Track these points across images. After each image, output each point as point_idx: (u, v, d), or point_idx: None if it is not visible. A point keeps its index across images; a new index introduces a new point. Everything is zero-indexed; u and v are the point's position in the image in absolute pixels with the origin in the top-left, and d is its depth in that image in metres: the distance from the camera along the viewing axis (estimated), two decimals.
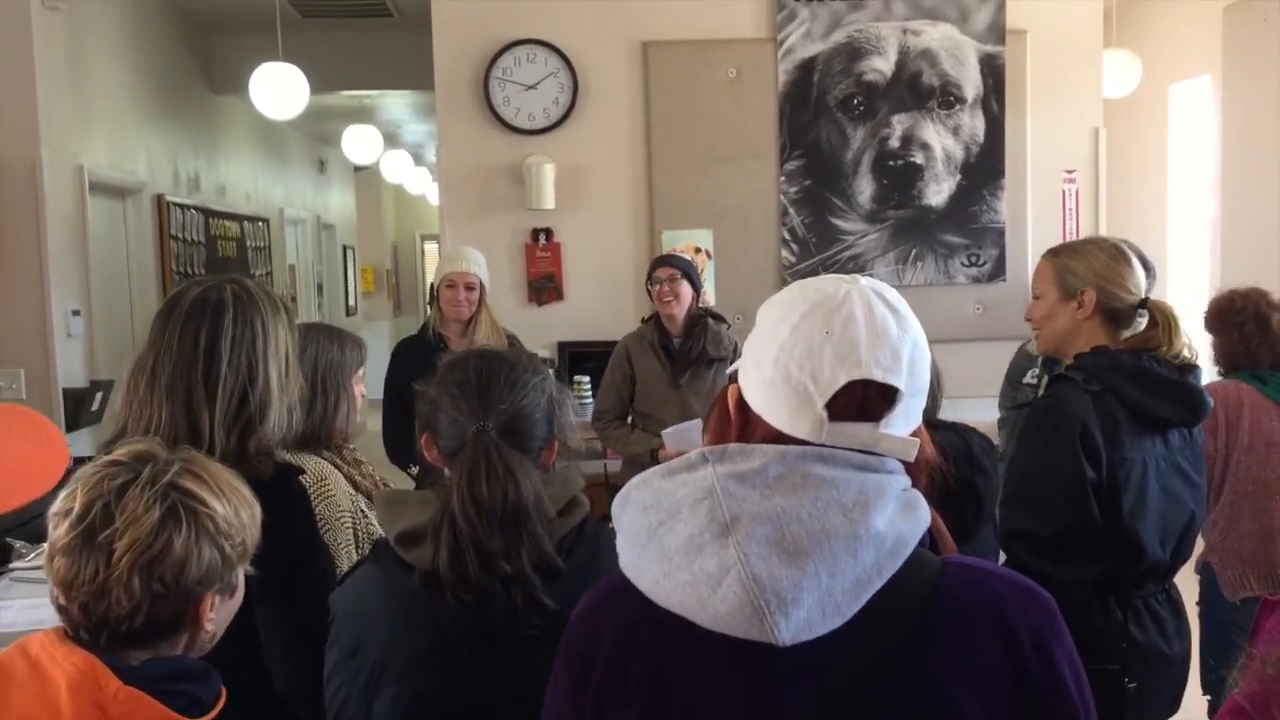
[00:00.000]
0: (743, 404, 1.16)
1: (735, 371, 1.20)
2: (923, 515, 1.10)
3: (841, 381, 1.08)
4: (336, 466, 2.38)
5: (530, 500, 1.56)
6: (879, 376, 1.09)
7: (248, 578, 1.89)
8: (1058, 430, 2.20)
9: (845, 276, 1.16)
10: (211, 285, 1.97)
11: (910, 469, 1.13)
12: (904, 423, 1.12)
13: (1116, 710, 2.15)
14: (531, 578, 1.53)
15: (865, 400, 1.09)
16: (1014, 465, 2.31)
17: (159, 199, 6.63)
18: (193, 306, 1.93)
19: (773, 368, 1.11)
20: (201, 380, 1.89)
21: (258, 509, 1.44)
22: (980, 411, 4.18)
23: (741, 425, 1.15)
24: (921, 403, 1.14)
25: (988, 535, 2.41)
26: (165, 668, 1.32)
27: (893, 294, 1.15)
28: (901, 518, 1.08)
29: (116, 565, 1.28)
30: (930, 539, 1.14)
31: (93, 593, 1.28)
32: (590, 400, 4.80)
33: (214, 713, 1.33)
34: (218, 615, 1.39)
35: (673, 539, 1.07)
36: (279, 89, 5.87)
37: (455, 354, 1.76)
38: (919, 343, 1.14)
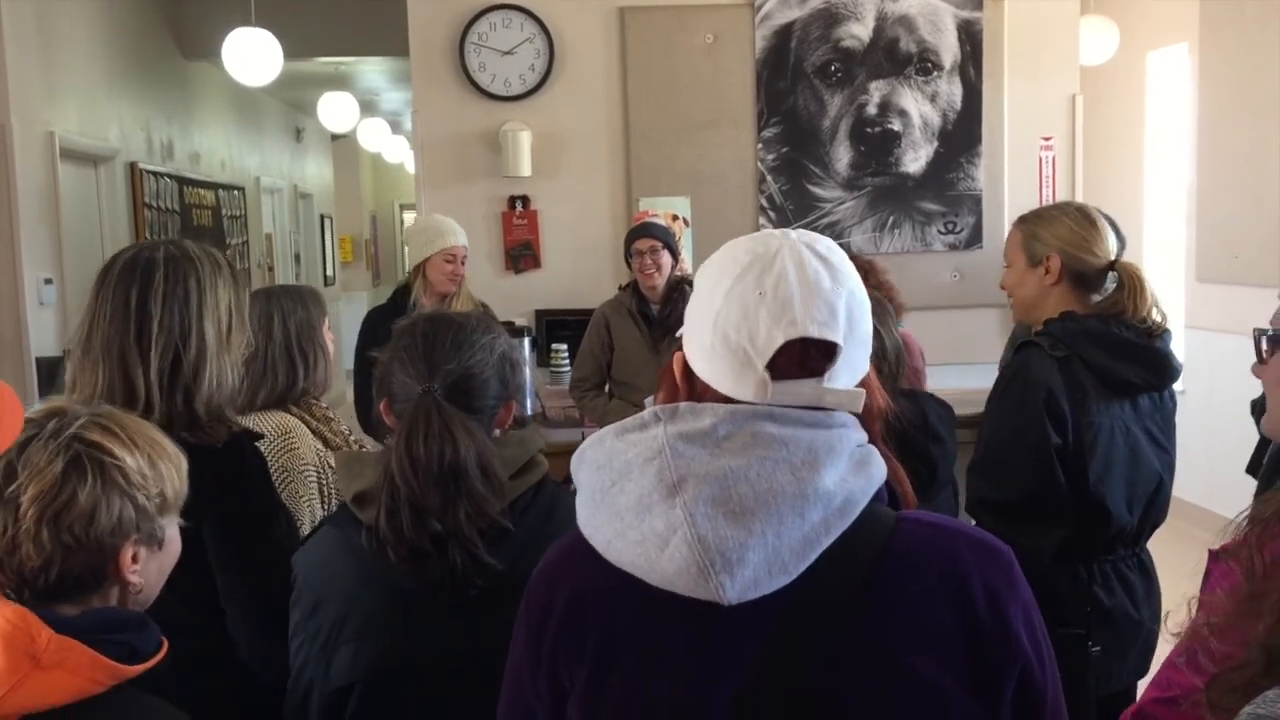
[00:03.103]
0: (689, 370, 1.16)
1: (681, 339, 1.20)
2: (876, 473, 1.11)
3: (779, 342, 1.08)
4: (304, 422, 2.42)
5: (470, 459, 1.55)
6: (815, 333, 1.09)
7: (207, 544, 1.90)
8: (1023, 397, 2.21)
9: (776, 232, 1.16)
10: (144, 247, 1.98)
11: (862, 420, 1.14)
12: (848, 374, 1.13)
13: (1081, 674, 2.17)
14: (470, 536, 1.54)
15: (805, 357, 1.10)
16: (981, 432, 2.33)
17: (132, 166, 6.57)
18: (124, 268, 1.93)
19: (711, 334, 1.12)
20: (134, 341, 1.90)
21: (183, 462, 1.44)
22: (958, 378, 4.20)
23: (689, 392, 1.16)
24: (865, 352, 1.15)
25: (944, 504, 2.43)
26: (98, 618, 1.32)
27: (824, 245, 1.15)
28: (853, 475, 1.08)
29: (24, 519, 1.28)
30: (891, 492, 1.15)
31: (5, 548, 1.29)
32: (568, 368, 4.79)
33: (154, 661, 1.33)
34: (144, 568, 1.38)
35: (624, 499, 1.08)
36: (252, 55, 5.81)
37: (407, 318, 1.76)
38: (855, 293, 1.14)
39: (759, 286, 1.10)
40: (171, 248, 1.98)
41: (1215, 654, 0.89)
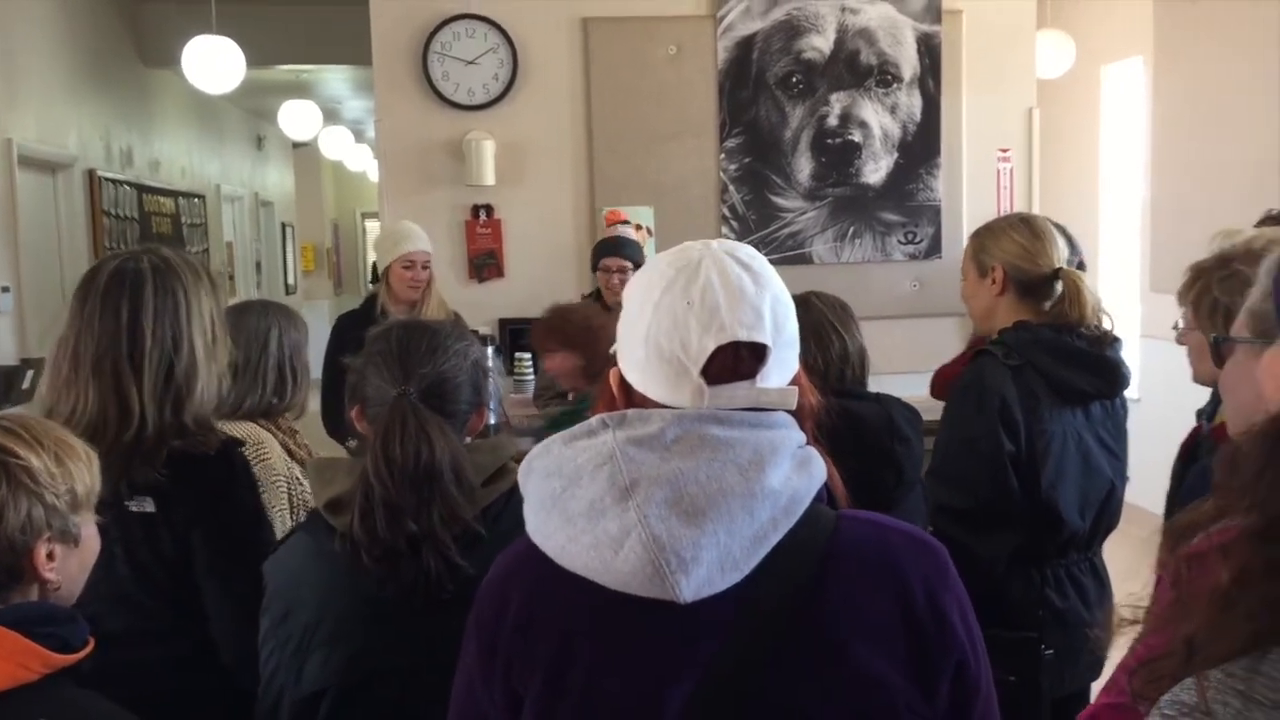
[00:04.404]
0: (625, 384, 1.19)
1: (615, 353, 1.23)
2: (817, 472, 1.14)
3: (711, 348, 1.12)
4: (272, 434, 2.44)
5: (445, 461, 1.58)
6: (744, 336, 1.13)
7: (194, 550, 1.91)
8: (978, 405, 2.25)
9: (699, 243, 1.19)
10: (128, 257, 1.96)
11: (798, 420, 1.17)
12: (779, 374, 1.16)
13: (1033, 677, 2.21)
14: (443, 538, 1.56)
15: (737, 361, 1.13)
16: (938, 439, 2.37)
17: (90, 174, 6.51)
18: (111, 281, 1.92)
19: (644, 347, 1.15)
20: (127, 356, 1.89)
21: (94, 460, 1.46)
22: (915, 387, 4.24)
23: (626, 404, 1.19)
24: (794, 352, 1.19)
25: (914, 504, 2.47)
26: (27, 611, 1.34)
27: (745, 252, 1.19)
28: (796, 474, 1.12)
29: None
30: (827, 492, 1.18)
31: None
32: (532, 377, 4.80)
33: (84, 654, 1.35)
34: (62, 565, 1.40)
35: (575, 504, 1.10)
36: (213, 63, 5.78)
37: (380, 325, 1.78)
38: (779, 296, 1.18)
39: (686, 296, 1.13)
40: (154, 258, 1.97)
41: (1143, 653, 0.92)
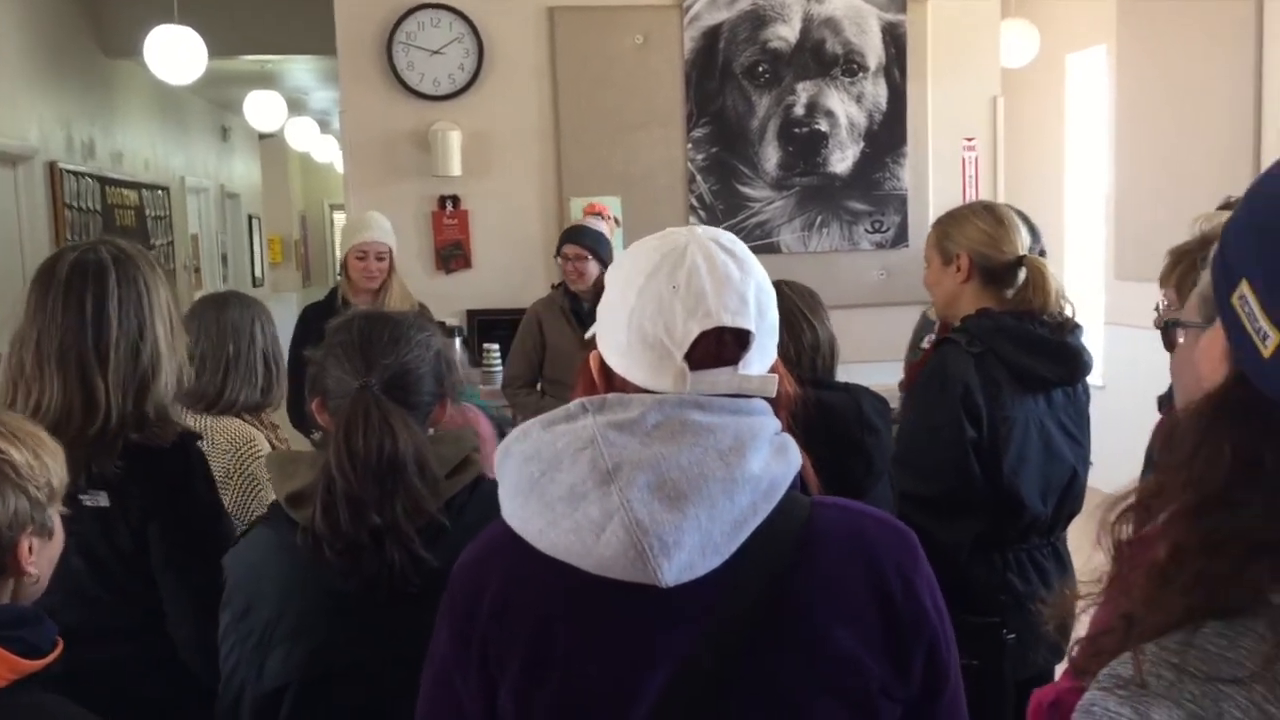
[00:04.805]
0: (605, 368, 1.19)
1: (594, 336, 1.23)
2: (794, 458, 1.15)
3: (695, 333, 1.12)
4: (258, 430, 2.46)
5: (408, 454, 1.57)
6: (729, 322, 1.13)
7: (151, 544, 1.90)
8: (940, 392, 2.27)
9: (682, 229, 1.20)
10: (86, 249, 1.94)
11: (775, 408, 1.18)
12: (760, 361, 1.17)
13: (996, 661, 2.23)
14: (406, 530, 1.55)
15: (721, 346, 1.14)
16: (901, 427, 2.39)
17: (52, 166, 6.42)
18: (73, 272, 1.90)
19: (628, 331, 1.15)
20: (92, 347, 1.88)
21: (60, 452, 1.46)
22: (883, 375, 4.27)
23: (606, 388, 1.19)
24: (774, 340, 1.20)
25: (882, 493, 2.48)
26: None
27: (728, 239, 1.19)
28: (775, 460, 1.12)
29: None
30: (800, 480, 1.19)
31: None
32: (500, 368, 4.79)
33: (51, 658, 1.34)
34: (39, 558, 1.40)
35: (555, 488, 1.09)
36: (175, 53, 5.71)
37: (340, 317, 1.77)
38: (762, 284, 1.18)
39: (672, 281, 1.13)
40: (112, 248, 1.96)
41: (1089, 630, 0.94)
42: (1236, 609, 0.79)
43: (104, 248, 1.95)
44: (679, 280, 1.13)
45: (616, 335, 1.17)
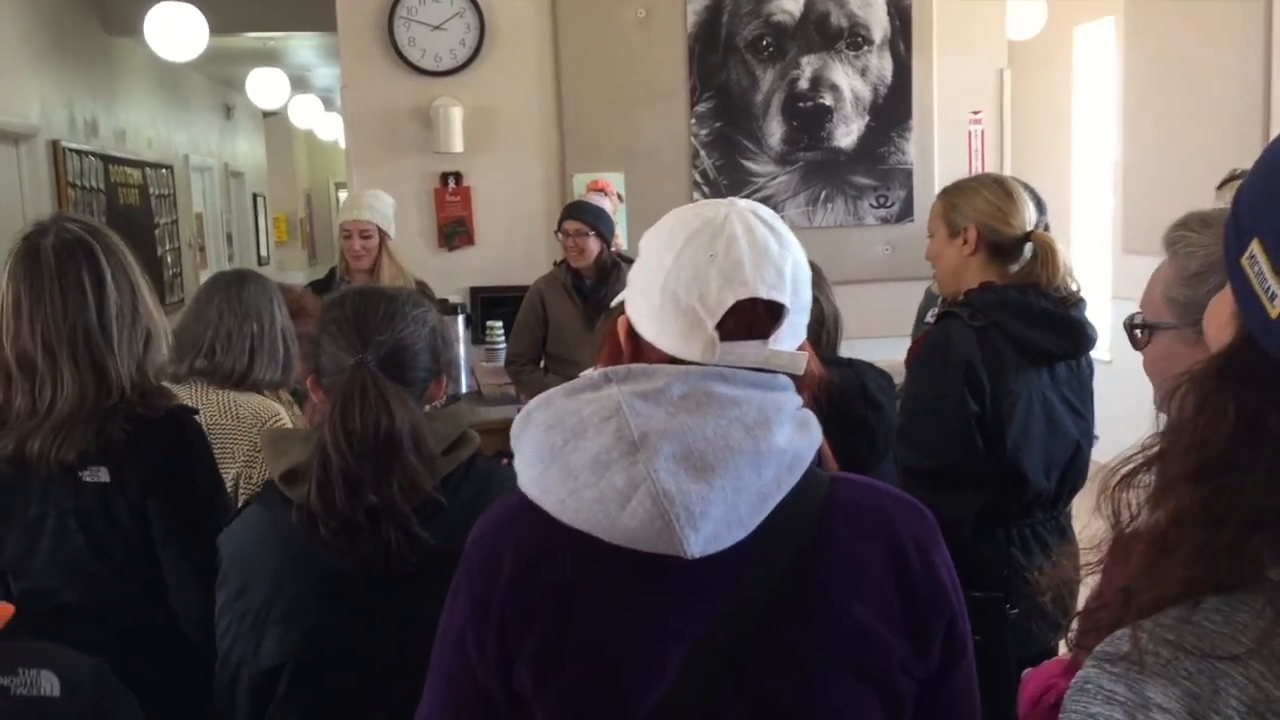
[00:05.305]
0: (633, 333, 1.18)
1: (622, 303, 1.22)
2: (815, 433, 1.15)
3: (730, 302, 1.11)
4: (279, 404, 2.49)
5: (404, 431, 1.55)
6: (765, 294, 1.12)
7: (150, 518, 1.90)
8: (943, 366, 2.25)
9: (722, 200, 1.19)
10: (57, 229, 1.92)
11: (798, 386, 1.17)
12: (791, 338, 1.16)
13: (1000, 636, 2.22)
14: (403, 509, 1.54)
15: (754, 318, 1.13)
16: (904, 401, 2.37)
17: (54, 145, 6.41)
18: (60, 254, 1.88)
19: (661, 295, 1.13)
20: (97, 324, 1.88)
21: None
22: (888, 351, 4.25)
23: (633, 354, 1.17)
24: (805, 318, 1.18)
25: (886, 470, 2.47)
26: None
27: (769, 213, 1.19)
28: (798, 435, 1.12)
29: None
30: (818, 458, 1.18)
31: None
32: (503, 345, 4.78)
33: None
34: None
35: (579, 457, 1.07)
36: (176, 30, 5.70)
37: (335, 293, 1.76)
38: (799, 260, 1.18)
39: (710, 249, 1.12)
40: (81, 224, 1.96)
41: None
42: (1235, 583, 0.77)
43: (74, 225, 1.94)
44: (717, 249, 1.12)
45: (649, 299, 1.15)
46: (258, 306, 2.47)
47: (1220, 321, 0.84)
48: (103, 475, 1.88)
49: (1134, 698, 0.76)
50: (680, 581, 1.08)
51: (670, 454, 1.05)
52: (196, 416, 2.05)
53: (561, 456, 1.08)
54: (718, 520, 1.04)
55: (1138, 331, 1.44)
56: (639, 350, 1.17)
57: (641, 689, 1.07)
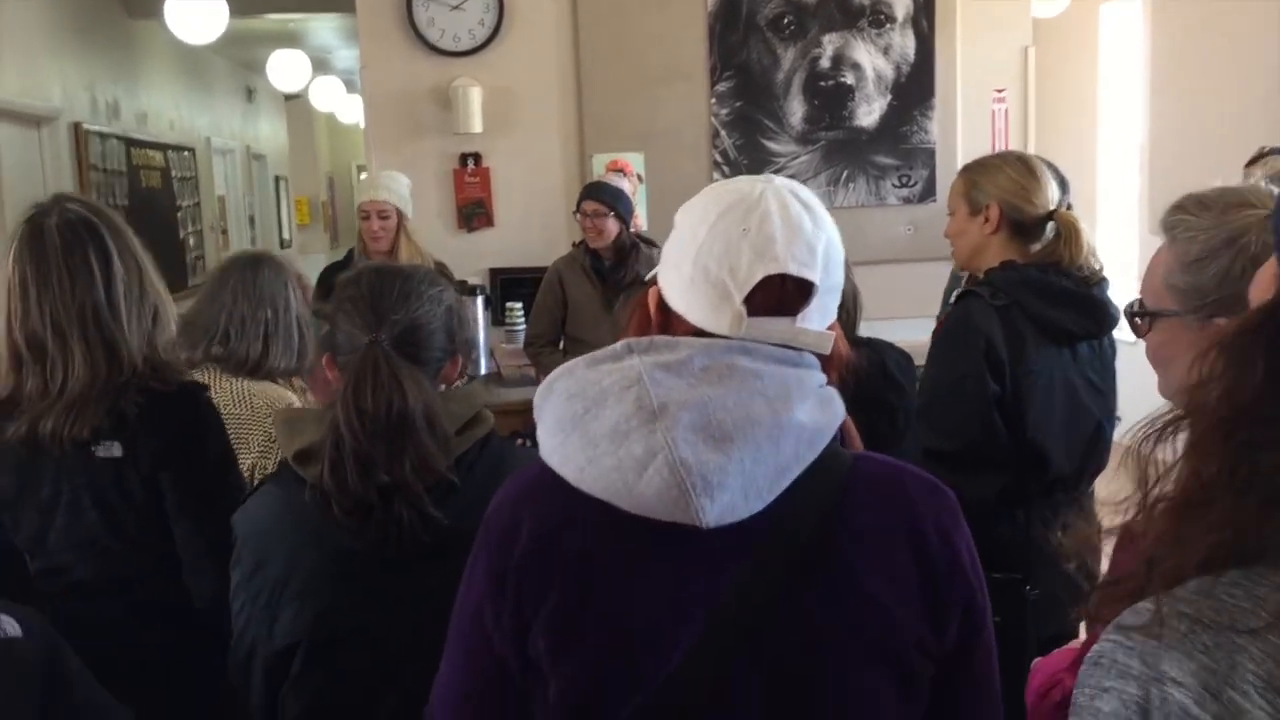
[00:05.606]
0: (663, 305, 1.19)
1: (654, 276, 1.23)
2: (838, 409, 1.15)
3: (759, 276, 1.12)
4: (293, 393, 2.47)
5: (417, 410, 1.54)
6: (795, 270, 1.12)
7: (164, 493, 1.90)
8: (963, 346, 2.22)
9: (760, 177, 1.19)
10: (59, 210, 1.93)
11: (825, 365, 1.17)
12: (820, 317, 1.16)
13: (1020, 618, 2.20)
14: (415, 488, 1.53)
15: (783, 295, 1.13)
16: (923, 382, 2.35)
17: (76, 127, 6.44)
18: (66, 235, 1.88)
19: (692, 267, 1.14)
20: (106, 303, 1.88)
21: None
22: (911, 331, 4.22)
23: (662, 325, 1.18)
24: (836, 299, 1.19)
25: (906, 450, 2.44)
26: None
27: (806, 192, 1.19)
28: (819, 410, 1.12)
29: None
30: (841, 436, 1.18)
31: None
32: (523, 327, 4.77)
33: None
34: None
35: (598, 425, 1.08)
36: (196, 12, 5.70)
37: (352, 271, 1.74)
38: (833, 240, 1.18)
39: (744, 223, 1.13)
40: (81, 204, 1.96)
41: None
42: (1260, 554, 0.77)
43: (74, 205, 1.93)
44: (751, 223, 1.13)
45: (680, 271, 1.16)
46: (272, 292, 2.43)
47: (1264, 284, 0.85)
48: (115, 450, 1.88)
49: (1148, 671, 0.76)
50: (699, 552, 1.08)
51: (689, 424, 1.05)
52: (207, 392, 2.05)
53: (582, 425, 1.09)
54: (735, 491, 1.04)
55: (1138, 319, 1.41)
56: (668, 322, 1.18)
57: (657, 658, 1.08)
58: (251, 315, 2.41)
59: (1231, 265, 1.31)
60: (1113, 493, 0.92)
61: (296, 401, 2.44)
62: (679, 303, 1.16)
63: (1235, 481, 0.78)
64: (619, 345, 1.13)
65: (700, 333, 1.14)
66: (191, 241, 8.56)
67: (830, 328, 1.18)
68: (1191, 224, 1.37)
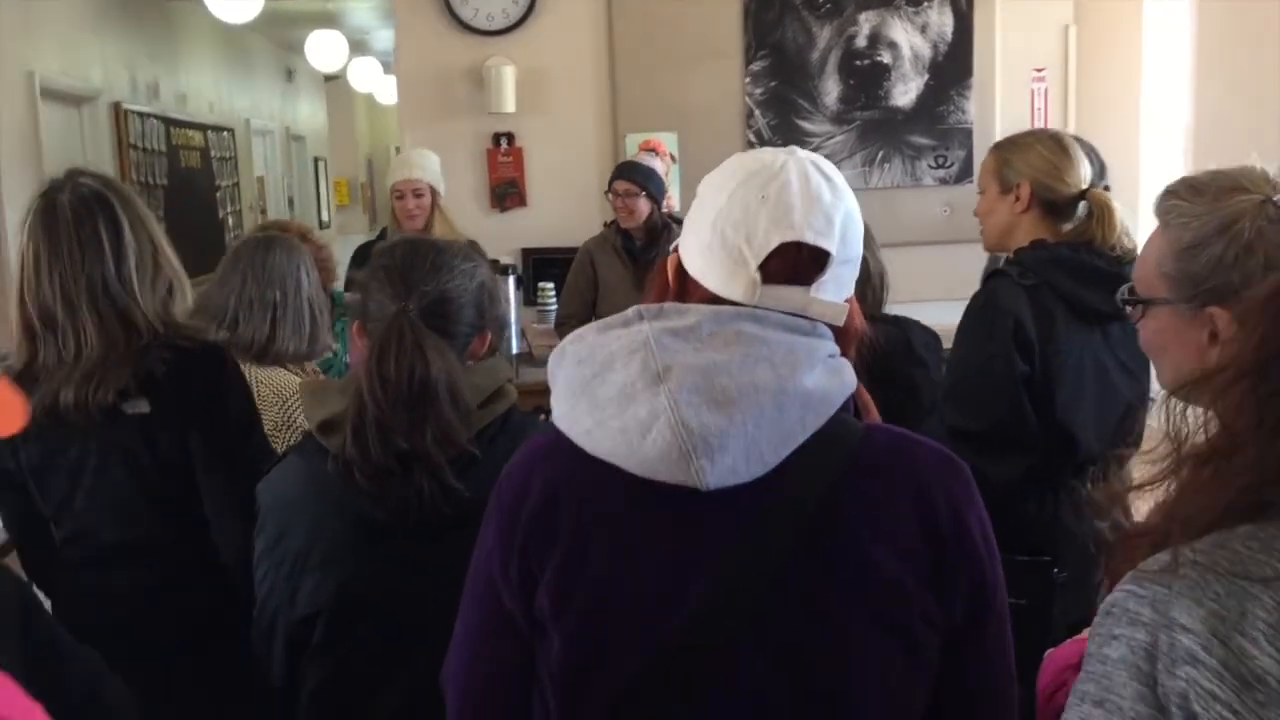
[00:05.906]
0: (681, 270, 1.20)
1: (676, 245, 1.24)
2: (848, 378, 1.15)
3: (775, 243, 1.13)
4: (302, 379, 2.44)
5: (440, 381, 1.55)
6: (810, 239, 1.13)
7: (193, 452, 1.92)
8: (991, 326, 2.19)
9: (783, 148, 1.20)
10: (72, 185, 1.95)
11: (840, 338, 1.17)
12: (835, 288, 1.17)
13: (1046, 600, 2.17)
14: (436, 458, 1.53)
15: (798, 263, 1.14)
16: (950, 362, 2.32)
17: (116, 107, 6.50)
18: (77, 208, 1.91)
19: (710, 232, 1.16)
20: (116, 275, 1.90)
21: None
22: (946, 314, 4.18)
23: (679, 290, 1.20)
24: (854, 272, 1.19)
25: (931, 428, 2.42)
26: None
27: (828, 165, 1.20)
28: (827, 379, 1.12)
29: None
30: (855, 409, 1.19)
31: None
32: (554, 307, 4.78)
33: None
34: None
35: (605, 389, 1.10)
36: None
37: (387, 241, 1.76)
38: (852, 212, 1.18)
39: (762, 191, 1.14)
40: (94, 178, 1.98)
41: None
42: (1274, 509, 0.78)
43: (87, 179, 1.95)
44: (770, 191, 1.14)
45: (699, 236, 1.17)
46: (282, 273, 2.40)
47: None
48: (143, 406, 1.91)
49: (1158, 618, 0.78)
50: (702, 514, 1.09)
51: (692, 386, 1.06)
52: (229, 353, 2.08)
53: (590, 389, 1.11)
54: (736, 454, 1.05)
55: (1128, 307, 1.39)
56: (684, 288, 1.19)
57: (659, 620, 1.09)
58: (259, 297, 2.39)
59: (1224, 253, 1.29)
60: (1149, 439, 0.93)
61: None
62: (696, 267, 1.18)
63: (1263, 430, 0.79)
64: (630, 311, 1.15)
65: (715, 299, 1.15)
66: (230, 221, 8.64)
67: (846, 301, 1.18)
68: (1184, 210, 1.35)
